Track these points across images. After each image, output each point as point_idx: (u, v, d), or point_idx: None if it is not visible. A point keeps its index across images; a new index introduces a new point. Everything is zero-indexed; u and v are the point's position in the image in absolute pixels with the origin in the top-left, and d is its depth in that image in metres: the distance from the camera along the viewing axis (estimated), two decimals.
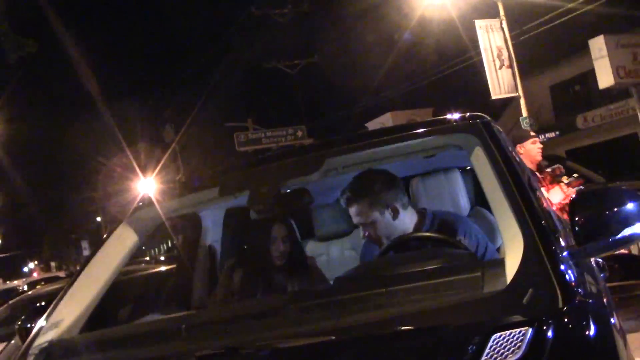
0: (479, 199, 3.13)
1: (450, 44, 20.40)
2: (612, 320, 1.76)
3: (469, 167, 3.22)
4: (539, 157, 5.27)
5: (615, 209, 1.87)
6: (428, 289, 1.82)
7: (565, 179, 5.10)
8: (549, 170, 5.21)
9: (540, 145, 5.32)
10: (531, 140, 5.29)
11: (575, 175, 5.22)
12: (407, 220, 2.64)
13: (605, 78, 18.92)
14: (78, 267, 3.23)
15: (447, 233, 2.55)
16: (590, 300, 1.72)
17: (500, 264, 1.83)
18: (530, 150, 5.23)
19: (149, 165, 27.88)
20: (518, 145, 5.32)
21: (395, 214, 2.61)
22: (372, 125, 27.91)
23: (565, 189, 5.01)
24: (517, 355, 1.42)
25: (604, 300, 1.93)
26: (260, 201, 2.64)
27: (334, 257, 3.49)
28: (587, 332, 1.53)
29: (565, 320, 1.55)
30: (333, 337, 1.68)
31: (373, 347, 1.63)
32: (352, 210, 2.65)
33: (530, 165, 5.19)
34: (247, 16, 26.80)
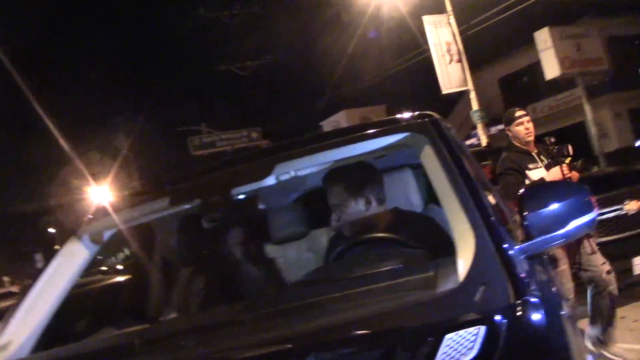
0: (431, 196, 3.14)
1: (402, 41, 20.61)
2: (562, 310, 1.80)
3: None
4: (529, 138, 5.05)
5: (563, 202, 1.93)
6: (381, 291, 1.82)
7: (567, 160, 4.85)
8: (554, 150, 4.98)
9: (528, 125, 5.07)
10: (516, 122, 5.08)
11: (581, 159, 4.97)
12: (378, 215, 2.66)
13: (551, 69, 19.43)
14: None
15: (412, 231, 2.57)
16: (541, 293, 1.74)
17: (452, 262, 1.84)
18: (517, 133, 5.06)
19: (102, 174, 27.32)
20: (506, 128, 5.17)
21: (368, 206, 2.64)
22: (327, 123, 28.01)
23: (565, 171, 4.76)
24: (472, 355, 1.42)
25: (555, 291, 1.96)
26: (211, 210, 2.62)
27: (291, 259, 3.46)
28: (538, 325, 1.55)
29: (517, 315, 1.56)
30: (288, 346, 1.67)
31: (326, 354, 1.62)
32: (330, 192, 2.69)
33: (524, 146, 5.03)
34: (196, 19, 26.54)
